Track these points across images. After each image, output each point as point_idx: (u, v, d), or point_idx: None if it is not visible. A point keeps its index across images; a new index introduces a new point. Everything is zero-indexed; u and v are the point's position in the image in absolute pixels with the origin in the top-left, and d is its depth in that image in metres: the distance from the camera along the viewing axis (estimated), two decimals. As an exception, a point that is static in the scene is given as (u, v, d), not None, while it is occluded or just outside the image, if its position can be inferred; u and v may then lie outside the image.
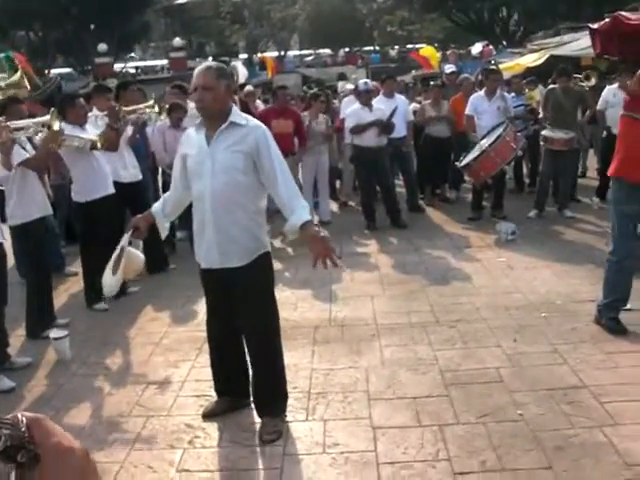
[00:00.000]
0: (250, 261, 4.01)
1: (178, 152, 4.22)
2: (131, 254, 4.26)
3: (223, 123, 3.91)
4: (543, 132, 9.45)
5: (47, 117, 5.59)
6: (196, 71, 3.97)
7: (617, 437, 3.85)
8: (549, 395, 4.39)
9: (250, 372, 4.34)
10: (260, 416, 4.24)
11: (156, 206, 4.28)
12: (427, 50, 22.26)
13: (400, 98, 10.18)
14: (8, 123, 5.32)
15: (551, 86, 9.87)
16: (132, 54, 46.28)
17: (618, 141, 5.59)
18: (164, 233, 4.40)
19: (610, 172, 5.58)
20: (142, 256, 4.45)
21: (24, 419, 0.94)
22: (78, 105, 6.48)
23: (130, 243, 4.42)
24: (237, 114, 3.99)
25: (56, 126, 5.55)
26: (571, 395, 4.38)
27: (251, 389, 4.35)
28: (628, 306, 5.60)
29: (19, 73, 8.79)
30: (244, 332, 4.22)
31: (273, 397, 4.25)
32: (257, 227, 4.05)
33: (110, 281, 4.32)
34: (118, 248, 4.23)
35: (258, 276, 4.07)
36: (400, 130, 9.66)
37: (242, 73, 13.67)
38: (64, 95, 7.21)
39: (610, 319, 5.41)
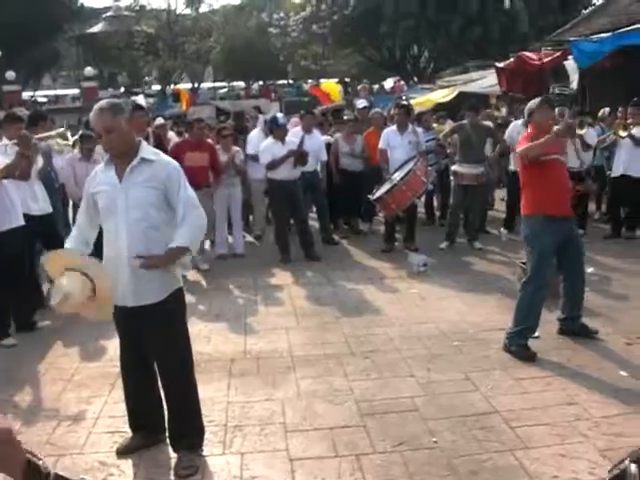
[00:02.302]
0: (164, 298, 3.99)
1: (86, 190, 4.15)
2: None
3: (134, 159, 3.89)
4: (453, 167, 9.73)
5: None
6: (92, 116, 3.92)
7: (528, 460, 3.97)
8: (462, 422, 4.50)
9: (165, 407, 4.28)
10: (176, 451, 4.17)
11: (69, 247, 4.16)
12: (328, 85, 22.55)
13: (316, 136, 10.28)
14: None
15: (461, 122, 10.18)
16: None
17: (523, 182, 5.83)
18: None
19: (525, 210, 5.81)
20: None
21: None
22: (-14, 134, 6.32)
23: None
24: (147, 149, 3.99)
25: None
26: (483, 421, 4.49)
27: (166, 424, 4.29)
28: (536, 334, 5.80)
29: None
30: (158, 367, 4.17)
31: (189, 431, 4.20)
32: (176, 268, 4.04)
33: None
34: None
35: (172, 312, 4.06)
36: (311, 164, 9.76)
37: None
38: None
39: (519, 346, 5.59)
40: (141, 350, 4.16)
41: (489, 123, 10.91)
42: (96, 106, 3.95)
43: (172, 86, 40.38)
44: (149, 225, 3.89)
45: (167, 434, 4.29)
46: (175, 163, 4.06)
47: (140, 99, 15.68)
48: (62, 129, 7.55)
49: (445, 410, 4.68)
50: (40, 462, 1.14)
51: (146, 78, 44.02)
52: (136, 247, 3.88)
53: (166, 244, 3.95)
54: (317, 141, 10.15)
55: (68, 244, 4.18)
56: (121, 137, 3.85)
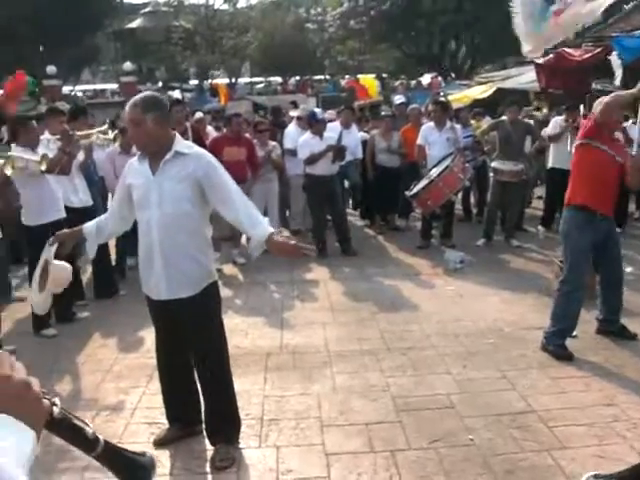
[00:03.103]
0: (198, 292, 4.00)
1: (121, 181, 4.20)
2: (57, 267, 4.10)
3: (167, 152, 3.88)
4: (493, 164, 9.66)
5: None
6: (126, 108, 3.96)
7: (565, 460, 3.95)
8: (498, 420, 4.48)
9: (202, 399, 4.32)
10: (212, 443, 4.21)
11: (89, 227, 4.21)
12: (367, 80, 22.48)
13: (354, 132, 10.31)
14: None
15: (500, 118, 10.10)
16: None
17: (575, 170, 5.75)
18: (92, 254, 4.34)
19: (568, 201, 5.72)
20: (68, 267, 4.22)
21: None
22: (30, 127, 6.42)
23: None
24: (181, 143, 3.97)
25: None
26: (520, 420, 4.47)
27: (203, 416, 4.33)
28: (574, 333, 5.75)
29: None
30: (194, 360, 4.20)
31: (225, 424, 4.23)
32: (205, 257, 4.03)
33: (38, 299, 4.23)
34: (41, 262, 4.13)
35: (206, 306, 4.05)
36: (346, 159, 9.79)
37: None
38: (17, 117, 7.10)
39: (557, 346, 5.55)
40: (177, 343, 4.19)
41: (529, 120, 10.81)
42: (132, 99, 3.96)
43: (210, 81, 40.56)
44: (182, 219, 3.89)
45: (204, 426, 4.34)
46: (209, 155, 4.05)
47: (177, 94, 15.82)
48: (105, 127, 7.60)
49: (481, 408, 4.67)
50: (87, 428, 1.18)
51: (219, 72, 43.87)
52: (167, 241, 3.91)
53: (199, 238, 3.98)
54: (354, 137, 10.17)
55: (90, 225, 4.23)
56: (146, 133, 3.84)
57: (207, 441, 4.28)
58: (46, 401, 1.14)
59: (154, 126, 3.85)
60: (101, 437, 1.14)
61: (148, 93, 4.14)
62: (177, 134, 4.07)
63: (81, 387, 5.39)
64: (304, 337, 6.22)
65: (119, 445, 1.18)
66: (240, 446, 4.25)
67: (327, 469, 3.98)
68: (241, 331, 6.34)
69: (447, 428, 4.41)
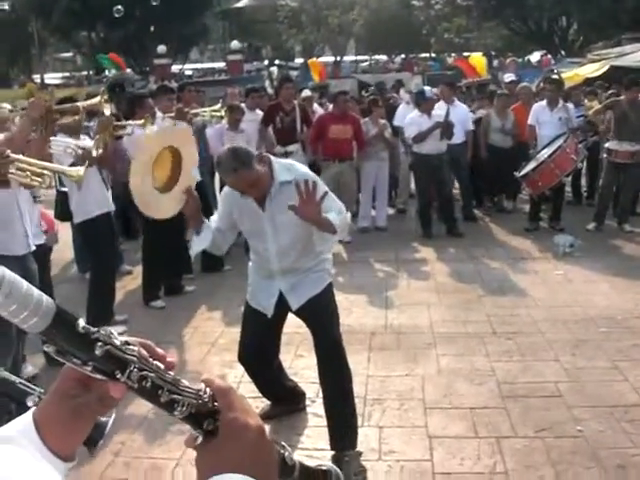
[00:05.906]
0: (320, 290, 4.01)
1: (222, 209, 4.06)
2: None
3: (271, 186, 3.77)
4: (607, 144, 9.27)
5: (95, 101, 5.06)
6: (226, 176, 3.80)
7: (682, 459, 3.76)
8: (609, 412, 4.32)
9: (298, 390, 4.50)
10: (333, 448, 3.94)
11: (208, 226, 3.97)
12: (475, 59, 21.92)
13: (460, 105, 10.08)
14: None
15: (617, 97, 9.67)
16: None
17: None
18: (194, 251, 4.18)
19: None
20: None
21: (207, 389, 0.97)
22: (147, 105, 6.58)
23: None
24: (280, 170, 3.82)
25: (107, 111, 5.21)
26: (632, 413, 4.29)
27: (324, 412, 4.06)
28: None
29: None
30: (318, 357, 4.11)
31: (349, 426, 3.97)
32: (326, 263, 4.07)
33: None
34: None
35: (328, 300, 4.06)
36: (458, 136, 9.57)
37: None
38: (133, 95, 7.28)
39: (674, 337, 5.30)
40: (264, 340, 4.28)
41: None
42: (225, 163, 3.69)
43: (314, 59, 40.71)
44: (300, 243, 3.89)
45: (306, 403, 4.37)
46: (308, 172, 3.95)
47: (274, 71, 15.95)
48: (217, 106, 7.68)
49: (591, 398, 4.51)
50: (286, 453, 1.02)
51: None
52: (288, 265, 3.94)
53: (317, 251, 3.95)
54: (462, 110, 9.91)
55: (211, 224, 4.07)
56: (256, 183, 3.72)
57: (309, 417, 4.32)
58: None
59: (253, 174, 3.68)
60: (296, 460, 1.05)
61: (226, 154, 3.72)
62: (272, 160, 3.89)
63: (187, 359, 5.52)
64: (409, 317, 6.17)
65: (308, 463, 1.09)
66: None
67: (430, 452, 3.95)
68: (345, 309, 6.30)
69: (554, 417, 4.29)
